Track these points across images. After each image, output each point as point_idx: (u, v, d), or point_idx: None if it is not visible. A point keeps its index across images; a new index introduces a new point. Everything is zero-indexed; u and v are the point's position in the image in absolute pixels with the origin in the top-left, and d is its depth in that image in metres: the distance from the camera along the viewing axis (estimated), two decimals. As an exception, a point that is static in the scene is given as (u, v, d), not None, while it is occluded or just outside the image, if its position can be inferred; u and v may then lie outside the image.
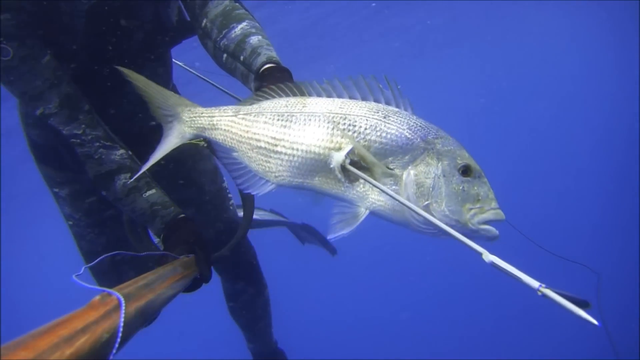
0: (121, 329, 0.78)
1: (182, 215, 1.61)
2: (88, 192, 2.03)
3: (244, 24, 1.64)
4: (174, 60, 2.28)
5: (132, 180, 1.60)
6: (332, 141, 1.17)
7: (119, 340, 0.77)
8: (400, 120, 1.16)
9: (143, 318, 0.97)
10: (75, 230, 2.12)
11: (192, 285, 1.49)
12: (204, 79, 2.14)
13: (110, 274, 2.08)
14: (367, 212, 1.16)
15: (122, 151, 1.64)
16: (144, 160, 1.62)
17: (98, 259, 1.33)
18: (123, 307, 0.83)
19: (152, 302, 1.02)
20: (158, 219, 1.59)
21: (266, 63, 1.49)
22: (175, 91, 2.30)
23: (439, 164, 1.12)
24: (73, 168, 1.91)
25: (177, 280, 1.26)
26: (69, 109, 1.57)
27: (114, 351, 0.75)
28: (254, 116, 1.27)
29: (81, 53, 1.71)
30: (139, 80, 1.39)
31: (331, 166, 1.15)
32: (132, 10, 1.76)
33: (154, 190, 1.63)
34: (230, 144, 1.31)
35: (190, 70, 2.22)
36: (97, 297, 0.85)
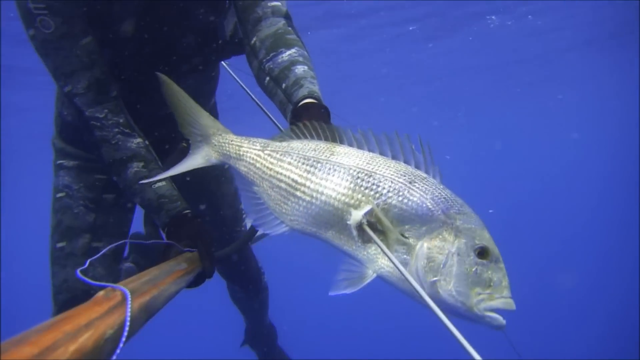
0: (127, 325, 0.78)
1: (188, 211, 1.61)
2: (100, 171, 2.02)
3: (293, 50, 1.63)
4: (223, 63, 2.29)
5: (143, 169, 1.61)
6: (352, 197, 1.15)
7: (125, 336, 0.76)
8: (425, 188, 1.13)
9: (147, 314, 0.96)
10: (63, 202, 2.01)
11: (196, 281, 1.49)
12: (253, 98, 2.14)
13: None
14: (375, 275, 1.14)
15: (139, 140, 1.66)
16: (165, 163, 1.62)
17: (104, 250, 1.32)
18: (129, 303, 0.82)
19: (156, 298, 1.02)
20: (164, 212, 1.59)
21: (307, 97, 1.47)
22: (215, 107, 2.32)
23: (456, 241, 1.09)
24: (94, 150, 1.91)
25: (181, 275, 1.26)
26: (95, 93, 1.60)
27: (119, 347, 0.74)
28: (280, 155, 1.27)
29: (128, 48, 1.73)
30: (176, 92, 1.38)
31: (348, 223, 1.14)
32: (184, 15, 1.77)
33: (163, 183, 1.63)
34: (252, 177, 1.30)
35: (237, 79, 2.23)
36: (102, 293, 0.86)
